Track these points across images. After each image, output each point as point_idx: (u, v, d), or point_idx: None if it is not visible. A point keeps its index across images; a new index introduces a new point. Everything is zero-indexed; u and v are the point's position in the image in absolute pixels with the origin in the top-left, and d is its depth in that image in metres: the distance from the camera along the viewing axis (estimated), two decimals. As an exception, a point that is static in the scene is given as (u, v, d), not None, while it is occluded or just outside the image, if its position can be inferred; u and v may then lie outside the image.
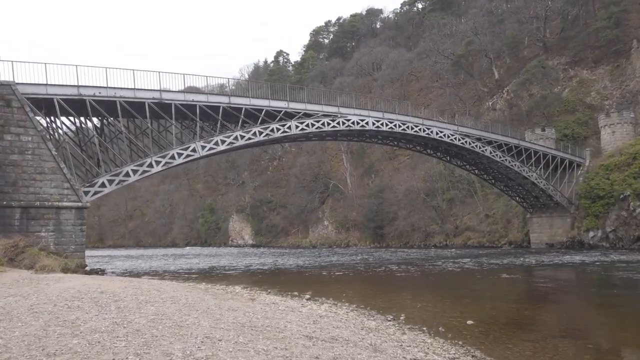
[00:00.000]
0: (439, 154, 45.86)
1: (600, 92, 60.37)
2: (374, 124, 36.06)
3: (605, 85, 60.64)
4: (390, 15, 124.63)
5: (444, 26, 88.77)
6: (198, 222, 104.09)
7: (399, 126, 37.41)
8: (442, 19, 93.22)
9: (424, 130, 38.73)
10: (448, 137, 39.96)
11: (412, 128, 38.00)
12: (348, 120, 34.85)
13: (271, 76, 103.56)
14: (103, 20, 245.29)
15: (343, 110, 35.05)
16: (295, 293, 14.37)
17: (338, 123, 34.27)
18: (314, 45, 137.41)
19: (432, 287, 17.62)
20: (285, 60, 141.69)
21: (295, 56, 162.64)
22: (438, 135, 39.44)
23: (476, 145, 41.69)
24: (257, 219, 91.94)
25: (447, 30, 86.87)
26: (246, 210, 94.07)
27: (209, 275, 24.62)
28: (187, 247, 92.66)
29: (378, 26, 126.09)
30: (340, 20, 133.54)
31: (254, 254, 52.00)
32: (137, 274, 25.83)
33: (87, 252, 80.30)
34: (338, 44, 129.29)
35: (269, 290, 14.54)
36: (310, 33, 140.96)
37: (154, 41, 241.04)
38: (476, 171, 49.08)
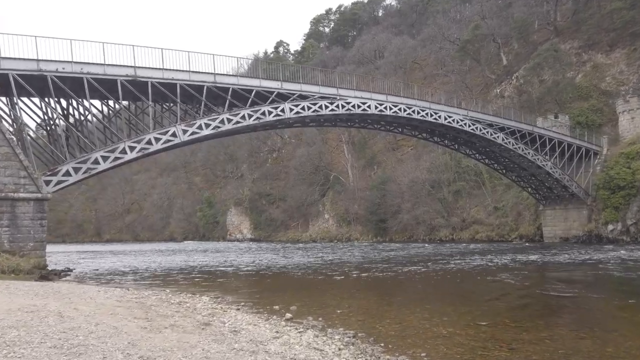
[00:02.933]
0: (446, 141, 42.57)
1: (616, 77, 56.85)
2: (376, 107, 32.80)
3: (621, 70, 57.12)
4: (392, 3, 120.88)
5: (449, 10, 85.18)
6: (196, 216, 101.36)
7: (404, 110, 34.14)
8: (446, 4, 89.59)
9: (431, 115, 35.46)
10: (457, 122, 36.67)
11: (418, 112, 34.72)
12: (348, 103, 31.60)
13: (270, 65, 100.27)
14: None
15: (343, 92, 31.78)
16: (276, 307, 10.97)
17: (337, 106, 31.03)
18: (314, 34, 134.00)
19: (452, 297, 13.82)
20: (285, 50, 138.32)
21: (295, 46, 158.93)
22: (446, 121, 36.17)
23: (487, 132, 38.40)
24: (256, 212, 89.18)
25: (452, 14, 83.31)
26: (245, 204, 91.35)
27: (185, 277, 21.50)
28: (185, 242, 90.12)
29: (380, 14, 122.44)
30: (342, 8, 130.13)
31: (250, 250, 48.95)
32: (106, 275, 22.76)
33: (80, 247, 77.07)
34: (339, 33, 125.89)
35: (242, 304, 11.34)
36: (311, 22, 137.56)
37: (146, 31, 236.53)
38: (486, 160, 45.81)
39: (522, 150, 40.47)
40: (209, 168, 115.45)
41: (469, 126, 37.27)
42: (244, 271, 23.66)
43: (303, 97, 30.08)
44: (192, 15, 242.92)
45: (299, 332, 7.63)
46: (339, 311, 10.95)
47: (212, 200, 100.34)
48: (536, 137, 42.38)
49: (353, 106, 31.68)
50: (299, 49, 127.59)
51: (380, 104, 33.00)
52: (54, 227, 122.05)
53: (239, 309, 10.34)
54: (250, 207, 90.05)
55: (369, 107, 32.45)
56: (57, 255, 49.12)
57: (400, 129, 39.78)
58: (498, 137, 38.83)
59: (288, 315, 9.48)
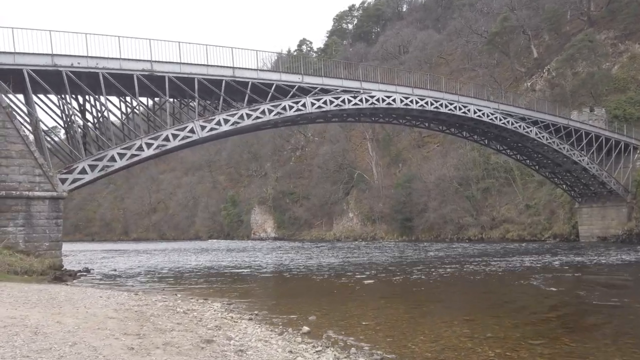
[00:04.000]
0: (475, 136, 40.73)
1: (656, 68, 53.79)
2: (402, 101, 31.35)
3: (661, 60, 54.04)
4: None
5: (476, 3, 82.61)
6: (221, 215, 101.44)
7: (431, 104, 32.59)
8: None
9: (460, 109, 33.79)
10: (487, 116, 34.89)
11: (446, 106, 33.11)
12: (372, 97, 30.26)
13: (291, 60, 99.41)
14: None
15: (366, 85, 30.45)
16: (293, 317, 9.86)
17: (360, 100, 29.73)
18: (337, 31, 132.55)
19: (492, 306, 12.13)
20: (308, 48, 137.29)
21: (318, 43, 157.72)
22: (476, 115, 34.44)
23: (520, 126, 36.46)
24: (279, 211, 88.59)
25: (480, 6, 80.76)
26: (268, 202, 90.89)
27: (202, 278, 20.61)
28: (210, 240, 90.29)
29: (404, 9, 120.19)
30: (365, 5, 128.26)
31: (273, 249, 48.08)
32: (121, 276, 22.07)
33: (107, 246, 77.84)
34: (362, 29, 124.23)
35: (256, 312, 10.22)
36: (334, 19, 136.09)
37: (164, 27, 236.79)
38: (518, 156, 43.73)
39: (557, 145, 38.36)
40: (233, 167, 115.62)
41: (500, 120, 35.44)
42: (264, 272, 22.65)
43: (325, 91, 28.90)
44: (212, 14, 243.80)
45: (317, 351, 6.48)
46: (364, 323, 9.56)
47: (236, 199, 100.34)
48: (572, 131, 40.15)
49: (377, 100, 30.34)
50: (322, 46, 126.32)
51: (406, 98, 31.55)
52: (84, 225, 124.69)
53: (251, 319, 9.23)
54: (274, 206, 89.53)
55: (393, 100, 31.04)
56: (83, 254, 49.33)
57: (426, 124, 38.21)
58: (531, 131, 36.85)
59: (305, 328, 8.30)
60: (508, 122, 35.80)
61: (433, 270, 21.17)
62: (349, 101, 29.27)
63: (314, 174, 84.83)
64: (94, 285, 16.26)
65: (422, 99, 32.15)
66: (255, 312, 10.39)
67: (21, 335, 5.68)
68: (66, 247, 68.48)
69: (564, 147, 38.67)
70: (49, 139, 23.25)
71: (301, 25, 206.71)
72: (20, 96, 23.38)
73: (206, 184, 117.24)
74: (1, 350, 4.78)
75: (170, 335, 6.54)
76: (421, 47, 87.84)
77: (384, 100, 30.62)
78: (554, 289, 14.94)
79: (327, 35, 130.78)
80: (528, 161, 44.06)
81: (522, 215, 52.92)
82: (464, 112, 33.93)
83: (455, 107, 33.51)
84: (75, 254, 50.66)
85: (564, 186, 45.60)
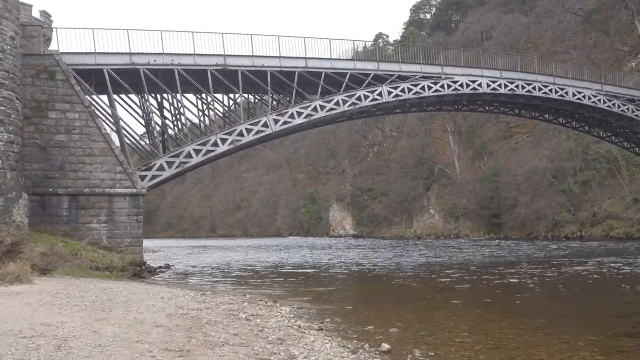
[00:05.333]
0: (574, 122, 36.64)
1: None
2: (488, 85, 28.67)
3: None
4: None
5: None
6: (300, 212, 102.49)
7: (522, 87, 29.52)
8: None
9: (556, 92, 30.34)
10: (589, 99, 31.05)
11: (539, 89, 29.86)
12: (455, 82, 27.91)
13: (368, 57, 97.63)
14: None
15: (448, 70, 28.16)
16: (370, 328, 8.31)
17: (442, 86, 27.51)
18: (414, 22, 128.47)
19: (618, 322, 9.67)
20: (384, 42, 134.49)
21: (395, 36, 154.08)
22: (575, 97, 30.77)
23: (628, 109, 32.13)
24: (357, 208, 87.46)
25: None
26: (346, 199, 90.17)
27: (277, 277, 19.79)
28: (290, 237, 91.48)
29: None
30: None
31: (352, 247, 46.87)
32: (197, 273, 21.90)
33: (194, 242, 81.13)
34: (441, 18, 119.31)
35: (326, 321, 8.84)
36: (411, 9, 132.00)
37: (236, 20, 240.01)
38: (625, 144, 38.81)
39: (675, 129, 33.44)
40: (311, 165, 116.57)
41: (604, 102, 31.41)
42: (341, 272, 21.40)
43: (403, 79, 27.07)
44: (286, 10, 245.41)
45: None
46: (458, 341, 7.73)
47: (314, 197, 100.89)
48: (692, 113, 34.79)
49: (461, 85, 27.94)
50: (399, 38, 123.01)
51: (493, 82, 28.81)
52: (175, 223, 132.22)
53: (321, 329, 7.94)
54: (352, 203, 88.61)
55: (479, 85, 28.45)
56: (170, 250, 51.41)
57: (517, 111, 34.92)
58: (642, 114, 32.36)
59: (385, 346, 6.81)
60: (614, 104, 31.65)
61: (533, 272, 18.58)
62: (429, 88, 27.19)
63: (392, 169, 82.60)
64: (167, 283, 15.96)
65: (511, 82, 29.21)
66: (327, 320, 9.06)
67: (42, 349, 4.90)
68: (157, 243, 72.30)
69: (683, 132, 33.66)
70: (128, 137, 23.71)
71: (376, 19, 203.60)
72: (103, 96, 24.05)
73: (286, 182, 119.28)
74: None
75: (220, 352, 5.45)
76: (506, 31, 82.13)
77: (468, 86, 28.15)
78: None
79: (404, 27, 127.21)
80: (637, 149, 38.96)
81: (629, 210, 47.17)
82: (560, 95, 30.44)
83: (550, 90, 30.15)
84: (164, 249, 52.96)
85: (683, 176, 39.87)
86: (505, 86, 29.20)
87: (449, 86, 27.69)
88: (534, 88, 29.74)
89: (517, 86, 29.53)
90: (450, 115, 73.72)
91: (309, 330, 7.64)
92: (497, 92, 29.17)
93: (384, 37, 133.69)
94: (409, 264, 24.30)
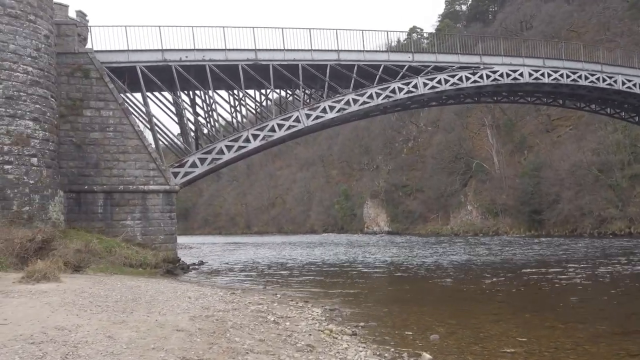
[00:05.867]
0: (623, 113, 34.57)
1: None
2: (530, 74, 27.27)
3: None
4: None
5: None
6: (334, 209, 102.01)
7: (567, 76, 27.96)
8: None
9: (604, 80, 28.59)
10: (640, 87, 29.14)
11: (586, 78, 28.21)
12: (494, 72, 26.67)
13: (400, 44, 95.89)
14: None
15: (487, 59, 26.92)
16: (409, 334, 7.64)
17: (481, 77, 26.33)
18: (449, 14, 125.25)
19: None
20: (419, 36, 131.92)
21: (429, 29, 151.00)
22: (624, 86, 28.94)
23: (684, 97, 29.98)
24: (392, 204, 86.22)
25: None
26: (381, 196, 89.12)
27: (309, 275, 19.28)
28: (324, 234, 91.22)
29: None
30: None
31: (386, 244, 46.01)
32: (229, 270, 21.67)
33: (230, 239, 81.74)
34: (477, 9, 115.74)
35: (361, 325, 8.17)
36: (446, 1, 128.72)
37: (269, 15, 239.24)
38: (680, 135, 36.39)
39: None
40: (345, 161, 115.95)
41: (657, 91, 29.40)
42: (376, 270, 20.69)
43: (439, 70, 26.05)
44: (316, 3, 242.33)
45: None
46: (508, 351, 6.87)
47: (348, 193, 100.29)
48: None
49: (501, 75, 26.67)
50: (433, 31, 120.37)
51: (536, 71, 27.38)
52: (212, 220, 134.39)
53: (354, 334, 7.32)
54: (386, 199, 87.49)
55: (520, 75, 27.09)
56: (206, 246, 51.94)
57: (560, 101, 33.21)
58: (700, 102, 30.15)
59: (426, 356, 6.04)
60: (668, 92, 29.58)
61: (583, 272, 17.28)
62: (467, 79, 26.06)
63: (428, 165, 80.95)
64: (198, 281, 15.71)
65: (555, 71, 27.69)
66: (361, 323, 8.41)
67: (50, 356, 4.51)
68: (194, 239, 73.19)
69: None
70: (161, 134, 23.73)
71: (409, 13, 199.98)
72: (136, 94, 24.15)
73: (320, 178, 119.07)
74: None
75: (243, 360, 4.95)
76: (547, 20, 78.99)
77: (508, 75, 26.84)
78: None
79: (439, 19, 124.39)
80: (693, 140, 36.46)
81: (684, 206, 44.38)
82: (609, 84, 28.67)
83: (597, 79, 28.45)
84: (200, 246, 53.60)
85: None
86: (549, 75, 27.70)
87: (488, 76, 26.48)
88: (579, 77, 28.12)
89: (561, 75, 27.98)
90: (488, 109, 71.51)
91: (341, 336, 7.05)
92: (539, 81, 27.72)
93: (418, 30, 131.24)
94: (448, 263, 23.33)
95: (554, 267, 19.22)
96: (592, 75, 28.49)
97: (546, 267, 19.38)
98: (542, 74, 27.62)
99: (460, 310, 10.25)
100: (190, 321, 6.73)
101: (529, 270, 18.68)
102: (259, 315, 8.04)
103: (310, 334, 6.87)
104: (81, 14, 24.36)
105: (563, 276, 16.35)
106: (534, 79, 27.47)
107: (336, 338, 6.83)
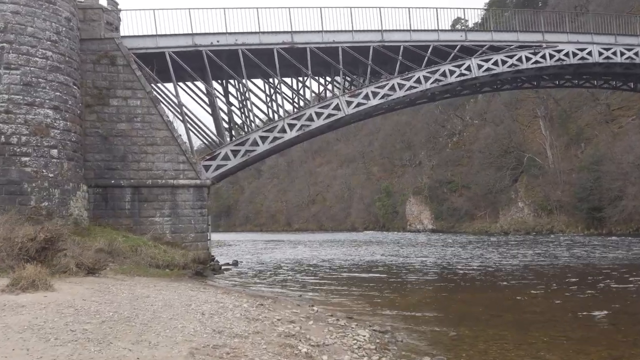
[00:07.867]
0: None
1: None
2: (600, 54, 24.15)
3: None
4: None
5: None
6: (375, 206, 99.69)
7: (644, 55, 24.58)
8: None
9: (689, 58, 24.99)
10: None
11: (666, 56, 24.73)
12: (558, 51, 23.72)
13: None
14: None
15: (550, 37, 24.00)
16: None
17: (543, 57, 23.47)
18: (497, 2, 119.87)
19: None
20: (463, 27, 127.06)
21: (475, 19, 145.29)
22: None
23: None
24: (436, 201, 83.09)
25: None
26: (424, 193, 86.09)
27: (353, 282, 17.24)
28: (365, 232, 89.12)
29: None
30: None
31: (433, 243, 43.35)
32: (263, 272, 19.92)
33: (269, 236, 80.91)
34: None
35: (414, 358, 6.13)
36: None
37: None
38: None
39: None
40: (386, 157, 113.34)
41: None
42: (426, 274, 18.40)
43: (495, 50, 23.37)
44: None
45: None
46: None
47: (390, 190, 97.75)
48: None
49: (566, 55, 23.70)
50: (479, 21, 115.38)
51: (607, 49, 24.23)
52: (253, 217, 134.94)
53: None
54: (430, 196, 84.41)
55: (589, 54, 24.01)
56: (245, 244, 50.97)
57: (632, 85, 29.63)
58: None
59: None
60: None
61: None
62: (528, 59, 23.25)
63: (475, 160, 77.31)
64: (226, 285, 14.02)
65: (630, 49, 24.40)
66: (426, 358, 6.23)
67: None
68: (234, 236, 72.37)
69: None
70: (192, 124, 22.26)
71: (454, 3, 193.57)
72: (167, 84, 22.78)
73: (360, 175, 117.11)
74: None
75: None
76: (605, 3, 73.37)
77: (575, 55, 23.82)
78: None
79: (485, 7, 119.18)
80: None
81: None
82: (695, 63, 25.07)
83: (681, 57, 24.89)
84: (239, 243, 52.75)
85: None
86: (622, 54, 24.46)
87: (551, 56, 23.56)
88: (660, 55, 24.70)
89: (636, 54, 24.66)
90: (540, 99, 67.28)
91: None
92: (610, 61, 24.53)
93: (462, 21, 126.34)
94: (509, 266, 20.67)
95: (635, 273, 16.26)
96: (674, 52, 24.97)
97: (625, 272, 16.42)
98: (614, 53, 24.40)
99: (528, 329, 7.69)
100: (195, 351, 4.87)
101: (617, 278, 15.42)
102: (287, 343, 6.10)
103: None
104: (112, 2, 23.23)
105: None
106: (604, 58, 24.30)
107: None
